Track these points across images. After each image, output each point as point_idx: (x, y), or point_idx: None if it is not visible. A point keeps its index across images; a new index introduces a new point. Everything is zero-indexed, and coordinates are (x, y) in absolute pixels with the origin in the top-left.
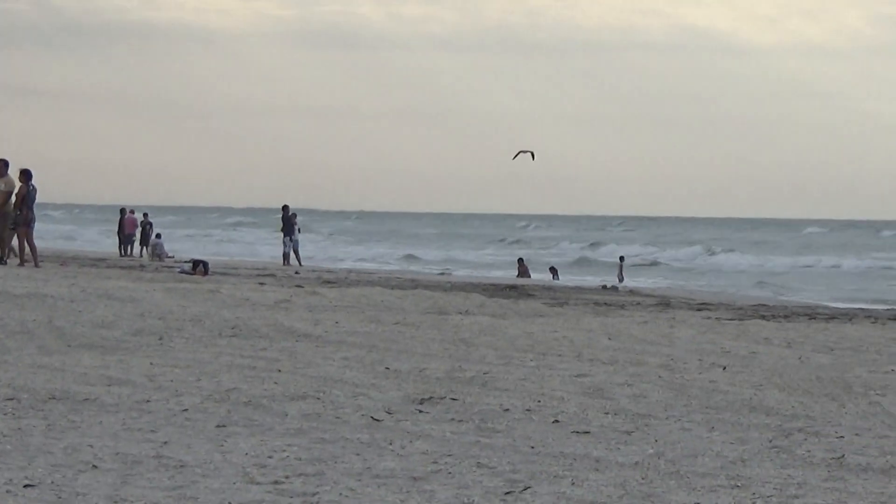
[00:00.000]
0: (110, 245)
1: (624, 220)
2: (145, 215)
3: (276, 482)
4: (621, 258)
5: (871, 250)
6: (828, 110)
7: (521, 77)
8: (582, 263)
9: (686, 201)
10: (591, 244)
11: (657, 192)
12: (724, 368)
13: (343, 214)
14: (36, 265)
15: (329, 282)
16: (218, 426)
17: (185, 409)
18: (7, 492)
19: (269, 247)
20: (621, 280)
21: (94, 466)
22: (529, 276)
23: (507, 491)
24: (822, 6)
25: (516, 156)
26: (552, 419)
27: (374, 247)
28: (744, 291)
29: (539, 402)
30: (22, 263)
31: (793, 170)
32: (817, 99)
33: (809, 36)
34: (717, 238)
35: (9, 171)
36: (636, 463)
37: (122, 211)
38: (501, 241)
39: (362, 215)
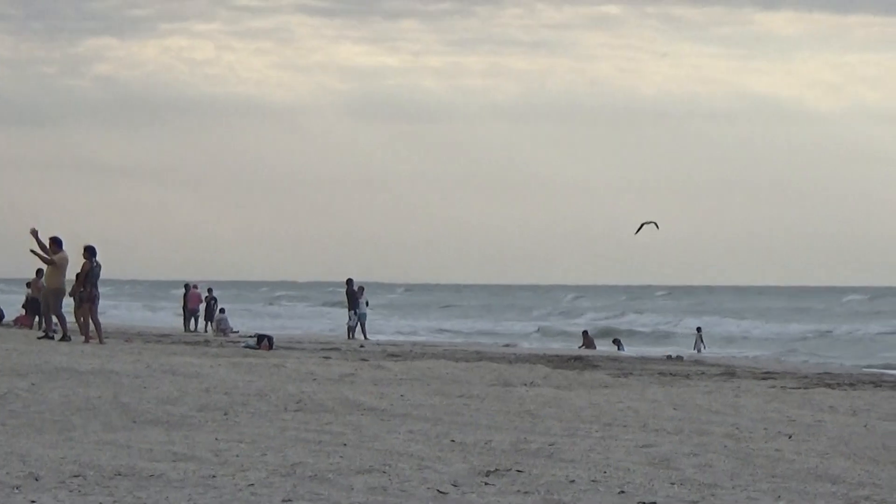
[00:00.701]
0: (140, 319)
1: (672, 290)
2: (210, 290)
3: None
4: (698, 329)
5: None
6: (893, 177)
7: (584, 146)
8: (604, 333)
9: (750, 268)
10: (619, 313)
11: (726, 260)
12: (790, 437)
13: (389, 287)
14: (100, 342)
15: (394, 355)
16: (284, 501)
17: (251, 484)
18: None
19: (300, 320)
20: (699, 351)
21: None
22: (595, 348)
23: None
24: (883, 73)
25: (639, 229)
26: (618, 490)
27: (409, 320)
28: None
29: (605, 472)
30: (87, 340)
31: (863, 236)
32: (883, 165)
33: (872, 102)
34: (755, 307)
35: (63, 248)
36: None
37: (187, 286)
38: (529, 312)
39: (410, 287)
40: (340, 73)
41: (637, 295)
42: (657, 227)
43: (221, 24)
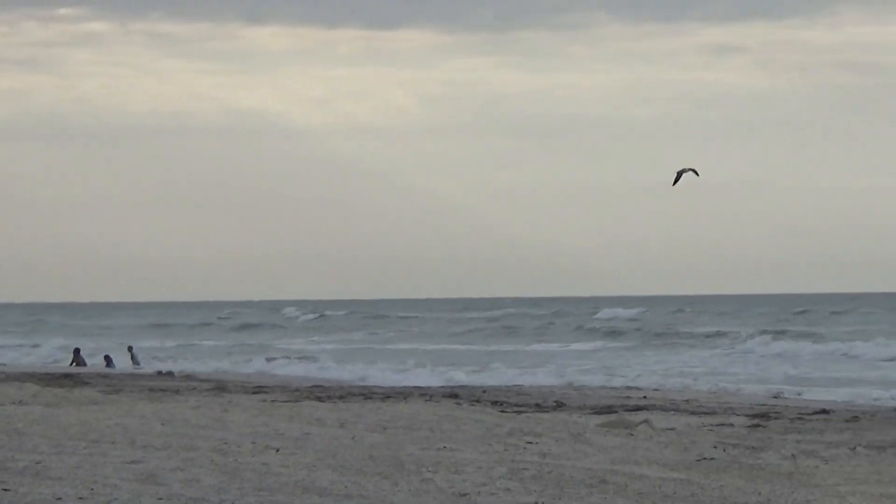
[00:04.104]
0: None
1: (140, 307)
2: None
3: None
4: (130, 348)
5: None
6: (379, 189)
7: (76, 165)
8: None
9: (248, 283)
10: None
11: (219, 276)
12: (278, 450)
13: None
14: None
15: None
16: None
17: None
18: None
19: None
20: (137, 364)
21: None
22: (86, 365)
23: None
24: (370, 87)
25: (677, 178)
26: None
27: None
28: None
29: (92, 489)
30: None
31: (352, 249)
32: (368, 178)
33: (358, 116)
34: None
35: None
36: None
37: None
38: None
39: None
40: None
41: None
42: (696, 174)
43: None
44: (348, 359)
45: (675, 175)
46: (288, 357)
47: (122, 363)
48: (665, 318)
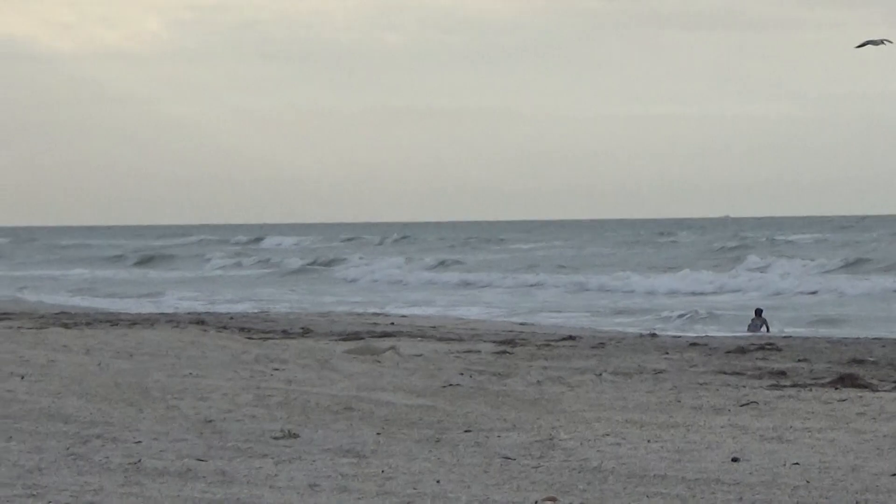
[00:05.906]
0: None
1: None
2: None
3: None
4: None
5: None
6: (129, 115)
7: None
8: None
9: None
10: None
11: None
12: (23, 377)
13: None
14: None
15: None
16: None
17: None
18: None
19: None
20: None
21: None
22: None
23: None
24: (119, 12)
25: (865, 45)
26: None
27: None
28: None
29: None
30: None
31: (96, 175)
32: (118, 104)
33: (107, 41)
34: None
35: None
36: None
37: None
38: None
39: None
40: None
41: None
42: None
43: None
44: None
45: (865, 43)
46: None
47: None
48: (325, 247)
